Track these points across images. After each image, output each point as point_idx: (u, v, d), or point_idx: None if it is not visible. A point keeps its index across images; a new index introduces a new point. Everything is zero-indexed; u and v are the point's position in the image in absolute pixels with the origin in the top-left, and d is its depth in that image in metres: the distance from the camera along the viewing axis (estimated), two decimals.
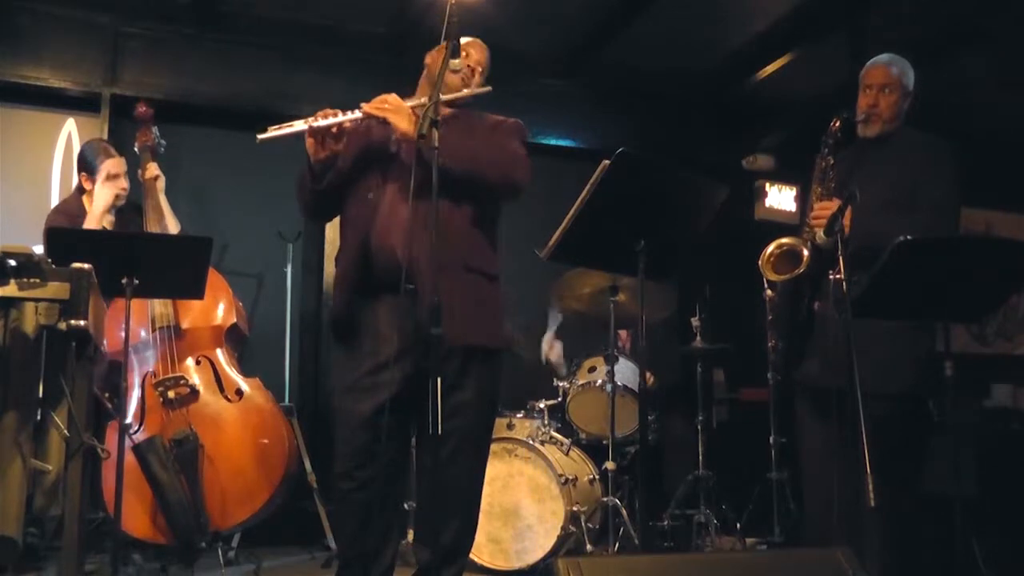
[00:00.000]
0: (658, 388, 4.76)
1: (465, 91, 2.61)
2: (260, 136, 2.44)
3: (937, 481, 3.04)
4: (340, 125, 2.46)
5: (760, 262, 2.87)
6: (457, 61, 2.47)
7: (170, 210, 3.95)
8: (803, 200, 3.30)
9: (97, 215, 3.75)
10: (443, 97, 2.40)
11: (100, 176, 3.86)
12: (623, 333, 4.79)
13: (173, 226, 3.94)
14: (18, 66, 4.60)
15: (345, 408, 2.58)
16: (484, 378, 2.62)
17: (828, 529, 2.77)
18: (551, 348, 4.75)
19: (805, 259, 2.79)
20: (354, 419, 2.54)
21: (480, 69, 2.73)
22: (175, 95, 4.84)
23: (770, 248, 2.89)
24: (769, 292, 3.88)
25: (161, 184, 3.91)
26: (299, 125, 2.44)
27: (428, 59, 2.73)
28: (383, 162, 2.62)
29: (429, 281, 2.32)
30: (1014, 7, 4.43)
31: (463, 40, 2.69)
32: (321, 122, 2.44)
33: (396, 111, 2.47)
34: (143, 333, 3.69)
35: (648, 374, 4.81)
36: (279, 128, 2.44)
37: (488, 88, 2.61)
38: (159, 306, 3.71)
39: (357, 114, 2.48)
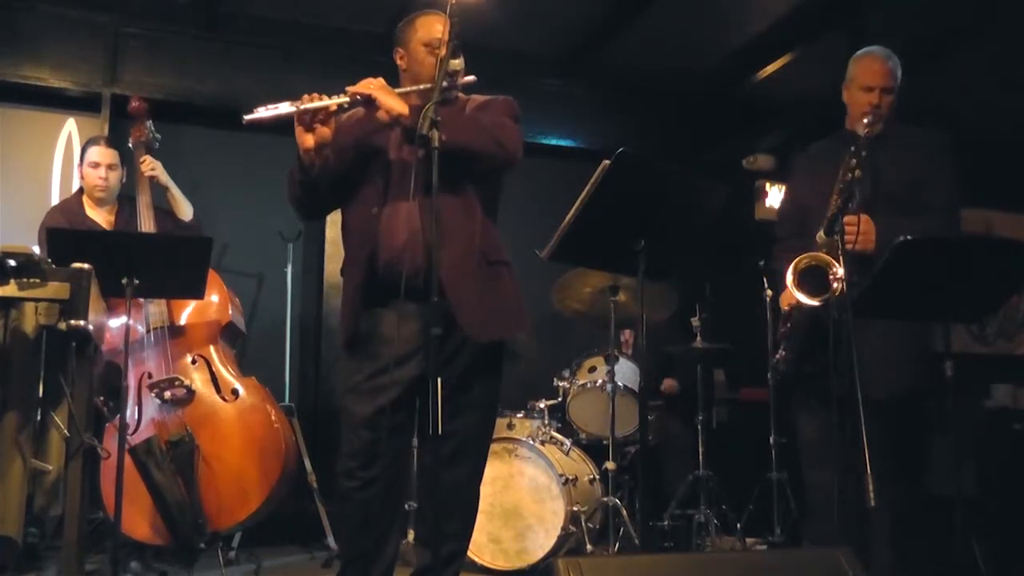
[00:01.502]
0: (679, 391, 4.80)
1: (460, 82, 2.60)
2: (247, 117, 2.42)
3: (937, 481, 3.04)
4: (327, 108, 2.46)
5: (789, 283, 2.73)
6: (458, 61, 2.46)
7: (180, 193, 3.95)
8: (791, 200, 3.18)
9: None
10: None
11: (83, 164, 3.88)
12: (627, 332, 4.79)
13: (185, 209, 3.95)
14: (18, 66, 4.60)
15: (348, 408, 2.57)
16: (488, 380, 2.63)
17: (828, 530, 2.76)
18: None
19: (837, 285, 2.69)
20: (357, 419, 2.53)
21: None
22: (175, 95, 4.84)
23: (792, 267, 2.74)
24: (770, 292, 3.85)
25: (164, 177, 3.90)
26: (286, 107, 2.43)
27: (401, 61, 2.71)
28: (382, 170, 2.61)
29: (447, 281, 2.34)
30: (1013, 6, 4.43)
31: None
32: (308, 104, 2.43)
33: (381, 89, 2.46)
34: (139, 330, 3.68)
35: (668, 380, 4.84)
36: (266, 109, 2.42)
37: (473, 78, 2.59)
38: (153, 306, 3.70)
39: (344, 98, 2.47)
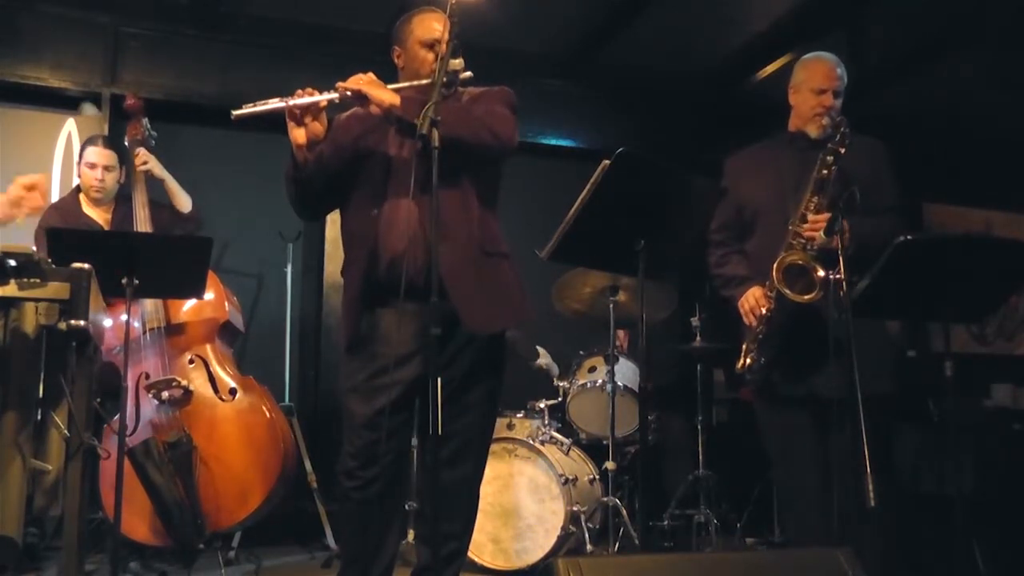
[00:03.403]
0: (654, 389, 4.75)
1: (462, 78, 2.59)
2: (235, 113, 2.41)
3: (937, 481, 3.04)
4: (317, 104, 2.45)
5: (776, 282, 2.72)
6: (458, 61, 2.46)
7: (177, 185, 3.95)
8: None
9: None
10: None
11: (81, 163, 3.88)
12: (620, 333, 4.78)
13: (184, 201, 3.94)
14: (18, 66, 4.60)
15: (349, 408, 2.58)
16: (491, 380, 2.63)
17: (811, 532, 2.76)
18: (540, 355, 4.75)
19: (819, 279, 2.64)
20: (358, 419, 2.53)
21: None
22: (175, 95, 4.84)
23: (776, 265, 2.72)
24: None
25: (158, 170, 3.89)
26: (276, 103, 2.42)
27: (399, 60, 2.70)
28: (381, 169, 2.61)
29: (447, 277, 2.34)
30: (1013, 7, 4.43)
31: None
32: (298, 100, 2.42)
33: (371, 84, 2.45)
34: (136, 330, 3.66)
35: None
36: (255, 105, 2.41)
37: (469, 74, 2.59)
38: (150, 306, 3.70)
39: (334, 94, 2.46)
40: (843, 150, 2.70)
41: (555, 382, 4.39)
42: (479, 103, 2.61)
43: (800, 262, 2.71)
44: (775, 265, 2.72)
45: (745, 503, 4.47)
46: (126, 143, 3.94)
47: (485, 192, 2.62)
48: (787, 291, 2.70)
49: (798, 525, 2.94)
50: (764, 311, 2.81)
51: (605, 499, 3.81)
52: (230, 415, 3.64)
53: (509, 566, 3.80)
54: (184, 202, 3.94)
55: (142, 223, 3.78)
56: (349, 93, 2.45)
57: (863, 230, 2.65)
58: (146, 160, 3.85)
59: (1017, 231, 6.19)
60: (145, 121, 3.94)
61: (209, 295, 3.76)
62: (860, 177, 2.76)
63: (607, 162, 2.52)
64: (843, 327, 2.47)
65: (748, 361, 2.89)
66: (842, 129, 2.71)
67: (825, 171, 2.72)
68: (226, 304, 3.84)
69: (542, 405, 4.14)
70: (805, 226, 2.73)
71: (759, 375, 2.88)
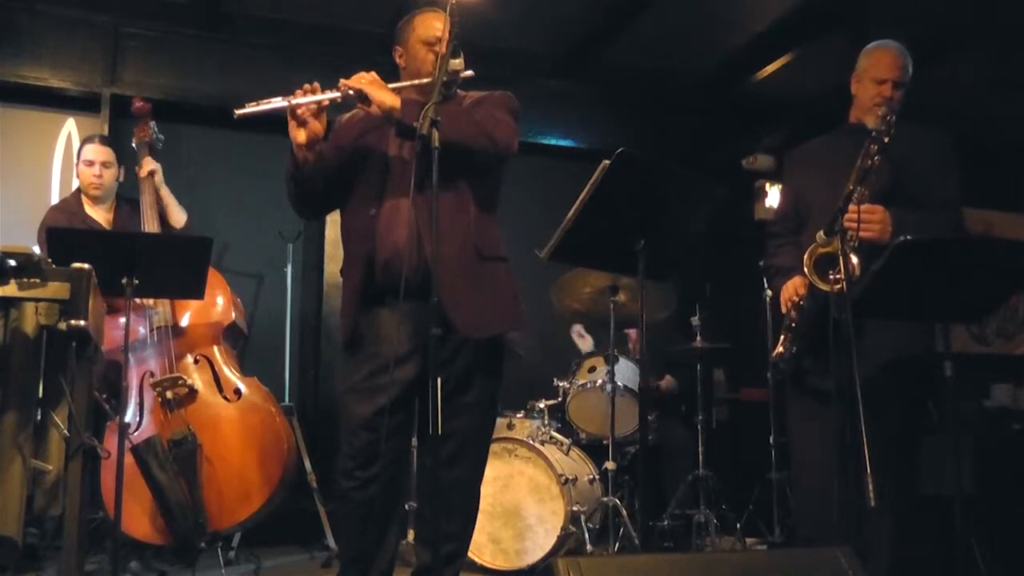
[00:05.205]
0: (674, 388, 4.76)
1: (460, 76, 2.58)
2: (238, 111, 2.42)
3: (937, 481, 3.04)
4: (319, 103, 2.46)
5: (806, 268, 2.68)
6: (458, 61, 2.46)
7: (174, 199, 3.95)
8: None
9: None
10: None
11: (79, 161, 3.88)
12: (632, 333, 4.77)
13: (178, 215, 3.95)
14: (18, 66, 4.61)
15: (347, 408, 2.58)
16: (488, 379, 2.63)
17: (827, 529, 2.76)
18: (583, 339, 4.76)
19: (856, 266, 2.58)
20: (356, 419, 2.54)
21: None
22: (175, 95, 4.85)
23: (809, 252, 2.68)
24: (770, 292, 3.83)
25: (159, 177, 3.90)
26: (278, 101, 2.43)
27: (400, 59, 2.71)
28: (380, 170, 2.61)
29: (441, 278, 2.34)
30: (1014, 6, 4.43)
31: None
32: (300, 99, 2.43)
33: (373, 84, 2.46)
34: (141, 331, 3.68)
35: (667, 376, 4.80)
36: (258, 104, 2.42)
37: (470, 72, 2.59)
38: (157, 306, 3.70)
39: (336, 93, 2.47)
40: (887, 140, 2.62)
41: (555, 382, 4.39)
42: (480, 107, 2.62)
43: (832, 252, 2.68)
44: (806, 255, 2.69)
45: (745, 503, 4.47)
46: (133, 145, 3.96)
47: (483, 195, 2.63)
48: (818, 281, 2.68)
49: (815, 521, 2.91)
50: (798, 300, 2.80)
51: (605, 499, 3.81)
52: (234, 415, 3.64)
53: (509, 566, 3.80)
54: (179, 217, 3.94)
55: (149, 224, 3.79)
56: (351, 92, 2.46)
57: (906, 226, 2.61)
58: (153, 170, 3.86)
59: (1017, 231, 6.19)
60: (152, 124, 3.96)
61: (218, 298, 3.78)
62: (912, 168, 2.73)
63: (607, 162, 2.52)
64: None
65: (781, 350, 2.88)
66: (887, 118, 2.64)
67: (869, 161, 2.64)
68: (232, 308, 3.85)
69: (542, 405, 4.14)
70: (854, 216, 2.61)
71: (790, 365, 2.87)
